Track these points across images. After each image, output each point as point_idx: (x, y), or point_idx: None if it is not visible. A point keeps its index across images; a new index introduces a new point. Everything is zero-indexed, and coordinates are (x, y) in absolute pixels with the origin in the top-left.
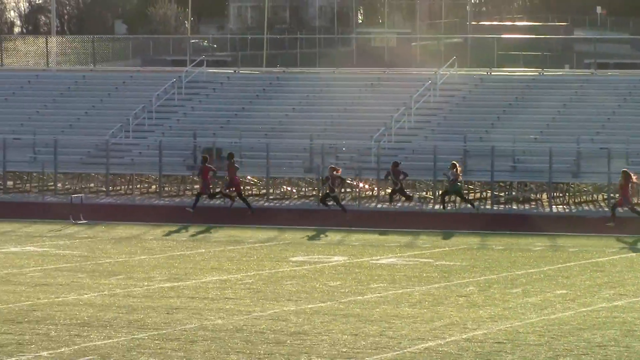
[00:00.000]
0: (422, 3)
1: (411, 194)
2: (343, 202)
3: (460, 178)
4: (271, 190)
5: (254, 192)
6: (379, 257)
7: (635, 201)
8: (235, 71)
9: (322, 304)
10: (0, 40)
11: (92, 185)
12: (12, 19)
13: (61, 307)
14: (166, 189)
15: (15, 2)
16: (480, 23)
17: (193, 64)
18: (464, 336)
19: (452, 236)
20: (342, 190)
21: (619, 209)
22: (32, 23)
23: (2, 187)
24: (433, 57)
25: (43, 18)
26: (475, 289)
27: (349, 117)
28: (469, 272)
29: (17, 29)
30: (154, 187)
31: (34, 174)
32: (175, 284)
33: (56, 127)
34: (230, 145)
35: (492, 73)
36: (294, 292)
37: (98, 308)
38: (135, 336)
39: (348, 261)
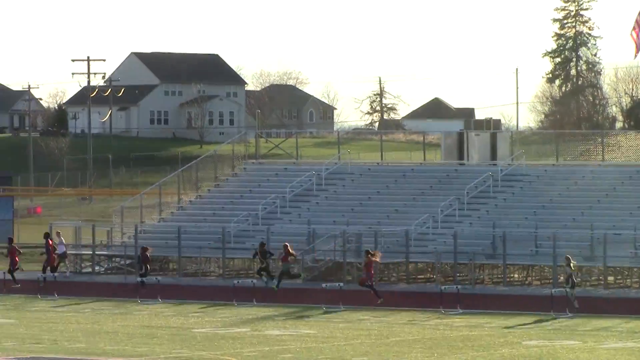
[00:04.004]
0: None
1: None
2: None
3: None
4: None
5: None
6: None
7: None
8: None
9: None
10: (602, 135)
11: None
12: (613, 114)
13: None
14: None
15: (617, 97)
16: None
17: None
18: None
19: None
20: None
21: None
22: (634, 118)
23: (602, 282)
24: None
25: None
26: None
27: None
28: None
29: (619, 124)
30: None
31: (635, 269)
32: None
33: None
34: None
35: None
36: None
37: None
38: None
39: None
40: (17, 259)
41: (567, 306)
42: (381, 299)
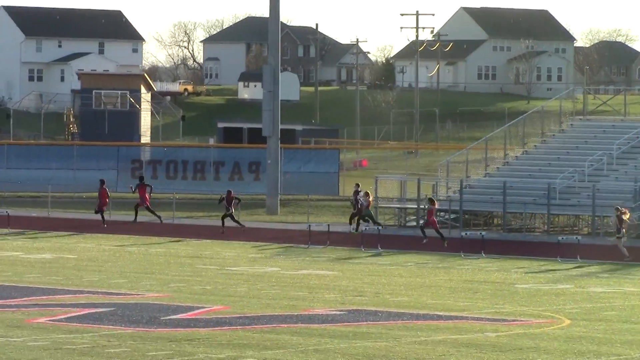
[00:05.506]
0: None
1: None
2: None
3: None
4: None
5: None
6: None
7: None
8: None
9: None
10: None
11: None
12: None
13: None
14: None
15: None
16: None
17: None
18: None
19: None
20: None
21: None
22: None
23: None
24: None
25: None
26: None
27: None
28: None
29: None
30: None
31: None
32: None
33: None
34: None
35: None
36: None
37: None
38: None
39: None
40: (107, 200)
41: None
42: (425, 239)
